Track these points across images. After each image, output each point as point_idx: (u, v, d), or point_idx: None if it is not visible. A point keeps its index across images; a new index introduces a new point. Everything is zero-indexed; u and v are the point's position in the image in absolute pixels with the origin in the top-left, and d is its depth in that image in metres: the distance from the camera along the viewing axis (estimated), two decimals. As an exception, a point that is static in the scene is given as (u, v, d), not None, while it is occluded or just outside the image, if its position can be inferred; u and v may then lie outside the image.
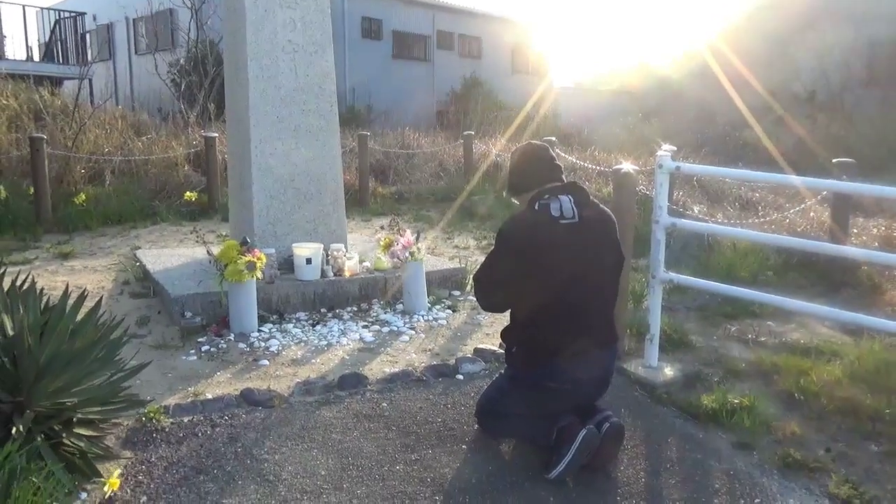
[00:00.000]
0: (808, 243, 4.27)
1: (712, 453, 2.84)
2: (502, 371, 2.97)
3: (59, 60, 15.45)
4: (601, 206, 2.83)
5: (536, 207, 2.68)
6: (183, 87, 13.34)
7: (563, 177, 2.83)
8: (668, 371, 3.64)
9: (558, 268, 2.61)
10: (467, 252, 6.71)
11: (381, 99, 19.02)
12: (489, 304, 2.86)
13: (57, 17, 15.85)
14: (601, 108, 21.11)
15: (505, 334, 2.85)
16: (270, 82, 5.06)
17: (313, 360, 3.76)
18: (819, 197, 6.03)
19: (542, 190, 2.72)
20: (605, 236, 2.74)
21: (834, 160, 5.81)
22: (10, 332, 2.48)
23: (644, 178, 6.73)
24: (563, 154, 9.42)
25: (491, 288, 2.77)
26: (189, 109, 11.38)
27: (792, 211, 6.35)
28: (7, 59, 14.28)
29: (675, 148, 3.80)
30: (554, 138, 9.82)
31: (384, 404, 3.18)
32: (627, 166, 4.00)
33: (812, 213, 6.70)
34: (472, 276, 2.93)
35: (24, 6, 14.87)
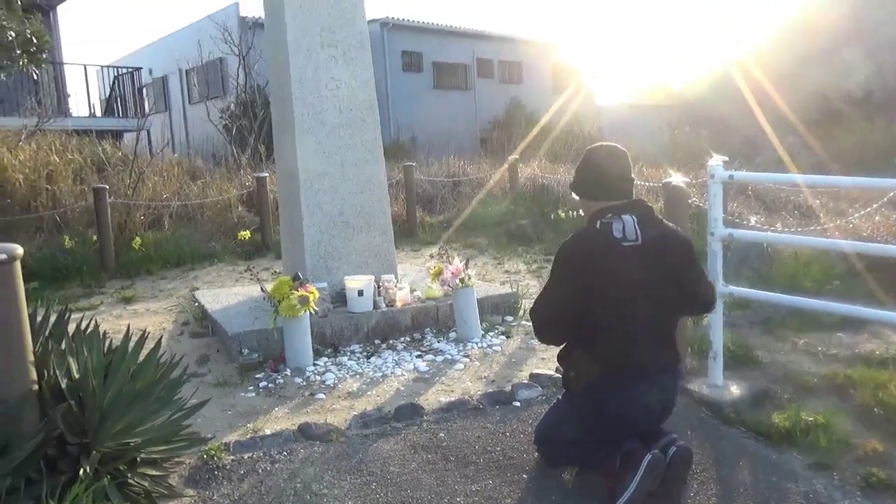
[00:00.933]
0: (874, 247, 4.05)
1: (788, 475, 2.69)
2: (560, 397, 2.89)
3: (118, 114, 16.24)
4: (670, 225, 2.68)
5: (598, 226, 2.57)
6: (234, 131, 13.80)
7: (633, 191, 2.69)
8: (735, 389, 3.49)
9: (618, 291, 2.51)
10: (518, 276, 6.65)
11: (424, 129, 19.26)
12: (547, 334, 2.72)
13: (116, 74, 16.70)
14: (646, 122, 20.84)
15: (562, 359, 2.77)
16: (316, 119, 5.17)
17: (369, 392, 3.75)
18: (886, 199, 5.75)
19: (606, 208, 2.59)
20: (671, 259, 2.59)
21: (897, 160, 5.55)
22: (76, 375, 2.56)
23: (696, 190, 6.57)
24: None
25: (548, 316, 2.65)
26: (240, 152, 11.76)
27: (856, 216, 6.08)
28: (72, 117, 15.07)
29: (726, 158, 3.69)
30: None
31: (441, 434, 3.14)
32: (677, 179, 3.91)
33: (878, 217, 6.40)
34: (529, 310, 2.76)
35: (85, 66, 15.80)
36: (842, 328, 4.42)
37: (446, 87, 22.24)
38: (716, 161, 3.50)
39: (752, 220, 6.98)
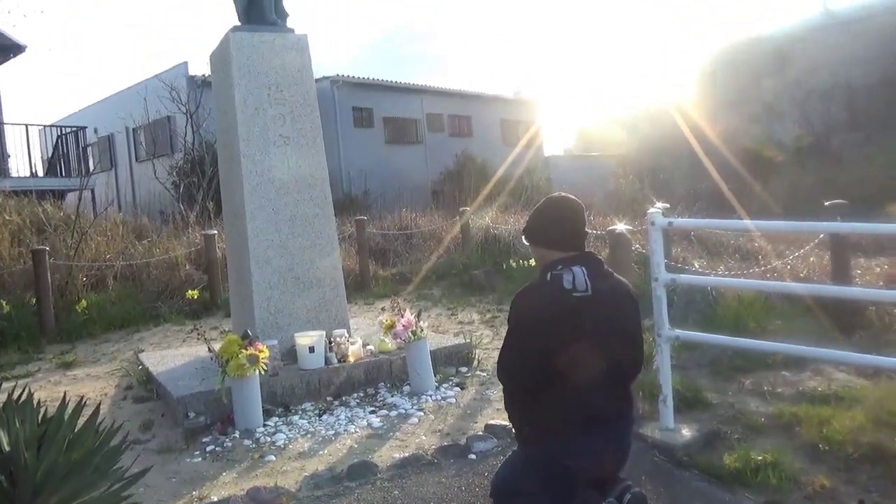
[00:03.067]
0: (812, 287, 4.24)
1: (741, 516, 2.72)
2: (515, 449, 2.87)
3: (61, 174, 15.84)
4: (617, 276, 2.72)
5: (549, 278, 2.57)
6: (182, 188, 13.63)
7: (585, 243, 2.71)
8: (686, 432, 3.53)
9: (568, 342, 2.50)
10: (472, 327, 6.65)
11: (376, 183, 19.39)
12: (513, 386, 2.70)
13: (59, 133, 16.37)
14: (592, 172, 21.46)
15: (512, 412, 2.76)
16: (264, 176, 5.16)
17: (321, 452, 3.66)
18: (816, 241, 6.02)
19: (556, 260, 2.60)
20: (620, 310, 2.63)
21: (826, 203, 5.84)
22: (6, 448, 2.42)
23: (640, 237, 6.76)
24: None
25: (511, 367, 2.64)
26: (189, 210, 11.58)
27: (792, 257, 6.34)
28: (11, 178, 14.65)
29: (667, 205, 3.83)
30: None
31: (395, 492, 3.07)
32: (620, 227, 4.03)
33: (812, 258, 6.68)
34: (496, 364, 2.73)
35: (27, 125, 15.37)
36: (786, 367, 4.55)
37: (397, 142, 22.54)
38: (655, 209, 3.63)
39: (696, 264, 7.19)
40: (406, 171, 21.28)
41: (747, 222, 4.56)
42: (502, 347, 2.68)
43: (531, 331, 2.55)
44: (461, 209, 11.23)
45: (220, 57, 5.55)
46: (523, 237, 2.82)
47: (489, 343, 5.92)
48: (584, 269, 2.57)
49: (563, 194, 2.80)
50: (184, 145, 15.80)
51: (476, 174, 19.43)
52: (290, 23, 5.60)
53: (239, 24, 5.45)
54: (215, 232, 8.60)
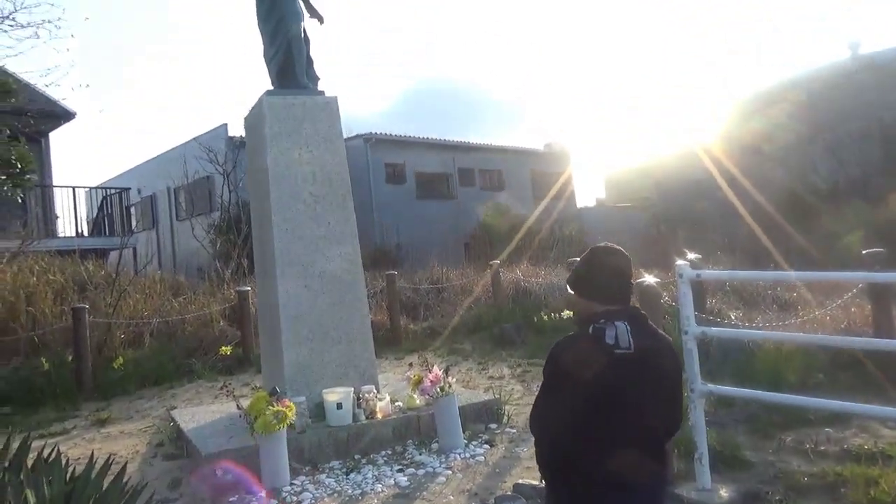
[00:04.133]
0: (852, 340, 4.10)
1: (783, 584, 2.57)
2: None
3: (105, 233, 16.40)
4: (660, 333, 2.61)
5: (591, 331, 2.46)
6: (218, 246, 13.94)
7: (630, 297, 2.59)
8: (724, 493, 3.39)
9: (607, 400, 2.42)
10: (502, 382, 6.56)
11: (408, 237, 19.57)
12: (545, 443, 2.56)
13: (105, 195, 17.02)
14: (624, 222, 21.36)
15: (544, 471, 2.66)
16: (294, 233, 5.27)
17: (347, 512, 3.60)
18: (855, 290, 5.84)
19: (600, 312, 2.49)
20: (661, 369, 2.52)
21: (864, 251, 5.69)
22: (34, 509, 2.44)
23: (673, 288, 6.64)
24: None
25: (544, 423, 2.54)
26: (224, 267, 11.82)
27: (832, 307, 6.15)
28: (57, 238, 15.21)
29: (699, 256, 3.77)
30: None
31: (421, 555, 2.99)
32: (649, 279, 3.98)
33: (853, 308, 6.47)
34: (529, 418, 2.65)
35: (74, 188, 16.04)
36: (828, 423, 4.36)
37: (429, 197, 22.83)
38: (683, 261, 3.59)
39: (732, 315, 7.03)
40: (438, 225, 21.47)
41: (778, 273, 4.48)
42: (536, 399, 2.58)
43: (569, 385, 2.44)
44: (491, 262, 11.23)
45: (254, 119, 5.76)
46: (568, 286, 2.68)
47: (519, 399, 5.82)
48: (627, 324, 2.45)
49: (611, 245, 2.65)
50: (221, 204, 16.24)
51: (507, 227, 19.50)
52: (320, 85, 5.81)
53: (272, 88, 5.67)
54: (249, 288, 8.74)
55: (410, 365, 5.68)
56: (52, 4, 7.50)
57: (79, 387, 7.15)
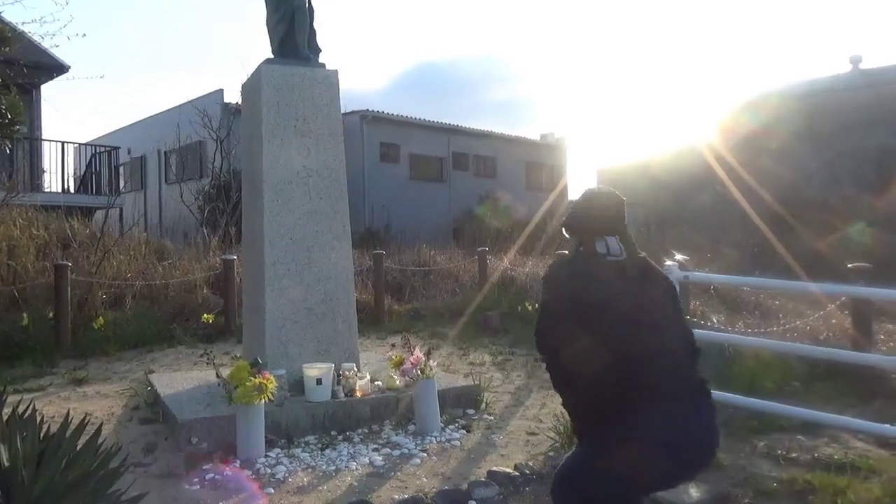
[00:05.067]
0: (830, 352, 4.14)
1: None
2: (574, 451, 2.43)
3: (92, 192, 16.19)
4: (653, 263, 2.54)
5: (579, 247, 2.44)
6: (206, 212, 13.83)
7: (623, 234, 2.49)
8: (695, 492, 3.44)
9: (613, 301, 2.28)
10: (482, 368, 6.59)
11: (399, 218, 19.52)
12: (552, 351, 2.38)
13: (94, 152, 16.79)
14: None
15: (566, 399, 2.41)
16: (285, 206, 5.23)
17: (320, 488, 3.61)
18: (838, 303, 5.91)
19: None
20: (657, 279, 2.44)
21: (850, 265, 5.74)
22: (6, 464, 2.42)
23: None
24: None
25: (549, 332, 2.38)
26: (212, 234, 11.73)
27: (813, 318, 6.22)
28: (43, 192, 15.01)
29: (687, 257, 3.79)
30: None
31: (391, 535, 3.00)
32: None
33: (834, 320, 6.55)
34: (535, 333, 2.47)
35: (63, 143, 15.80)
36: (802, 431, 4.41)
37: (422, 179, 22.75)
38: (672, 262, 3.60)
39: (715, 319, 7.08)
40: (429, 208, 21.43)
41: (766, 281, 4.51)
42: (536, 321, 2.45)
43: (566, 297, 2.34)
44: (479, 249, 11.23)
45: (252, 87, 5.69)
46: (563, 229, 2.62)
47: (499, 386, 5.85)
48: (617, 238, 2.42)
49: (602, 187, 2.66)
50: (212, 170, 16.09)
51: (498, 215, 19.50)
52: (322, 57, 5.73)
53: (272, 56, 5.59)
54: (235, 257, 8.68)
55: (393, 346, 5.70)
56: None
57: (57, 344, 7.10)
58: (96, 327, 7.49)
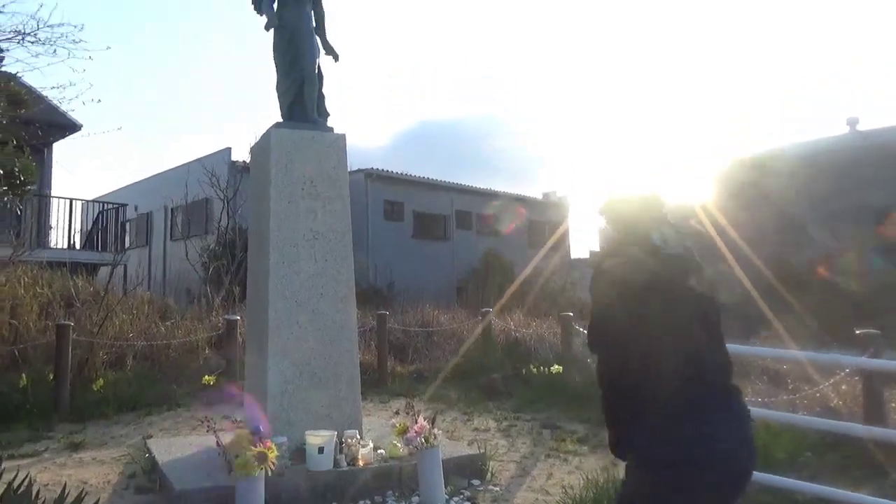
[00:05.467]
0: (840, 425, 4.06)
1: None
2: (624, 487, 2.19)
3: (98, 248, 16.27)
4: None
5: (632, 241, 2.20)
6: (211, 270, 13.86)
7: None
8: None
9: (666, 306, 2.06)
10: (487, 434, 6.46)
11: (402, 276, 19.54)
12: (607, 354, 2.18)
13: (101, 209, 16.96)
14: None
15: (613, 415, 2.16)
16: (291, 268, 5.23)
17: (320, 565, 3.48)
18: (844, 372, 5.82)
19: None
20: (712, 292, 2.23)
21: (857, 331, 5.67)
22: (-2, 544, 2.35)
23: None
24: (581, 329, 9.39)
25: (604, 336, 2.17)
26: (215, 292, 11.73)
27: (823, 386, 6.11)
28: (50, 248, 15.09)
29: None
30: (571, 313, 9.85)
31: None
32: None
33: (844, 386, 6.43)
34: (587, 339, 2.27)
35: (71, 200, 15.98)
36: (816, 505, 4.28)
37: (426, 237, 22.88)
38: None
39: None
40: (432, 265, 21.48)
41: (772, 351, 4.46)
42: (590, 323, 2.24)
43: (619, 294, 2.10)
44: (483, 310, 11.18)
45: (261, 150, 5.78)
46: (603, 217, 2.40)
47: (504, 454, 5.71)
48: (675, 230, 2.20)
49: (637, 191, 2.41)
50: (217, 228, 16.22)
51: (501, 274, 19.51)
52: (330, 121, 5.84)
53: (282, 119, 5.70)
54: (238, 318, 8.64)
55: (396, 412, 5.60)
56: (75, 26, 7.56)
57: (55, 407, 6.99)
58: (95, 389, 7.40)
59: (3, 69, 7.98)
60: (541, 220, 26.92)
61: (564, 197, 28.74)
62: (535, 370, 8.85)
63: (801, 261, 18.35)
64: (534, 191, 36.47)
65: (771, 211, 19.33)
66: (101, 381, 7.50)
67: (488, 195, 25.05)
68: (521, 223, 25.78)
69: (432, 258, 22.10)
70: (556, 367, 8.64)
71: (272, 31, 5.70)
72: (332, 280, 5.36)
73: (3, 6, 7.11)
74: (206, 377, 8.12)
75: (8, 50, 7.22)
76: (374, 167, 21.78)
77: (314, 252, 5.36)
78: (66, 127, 15.80)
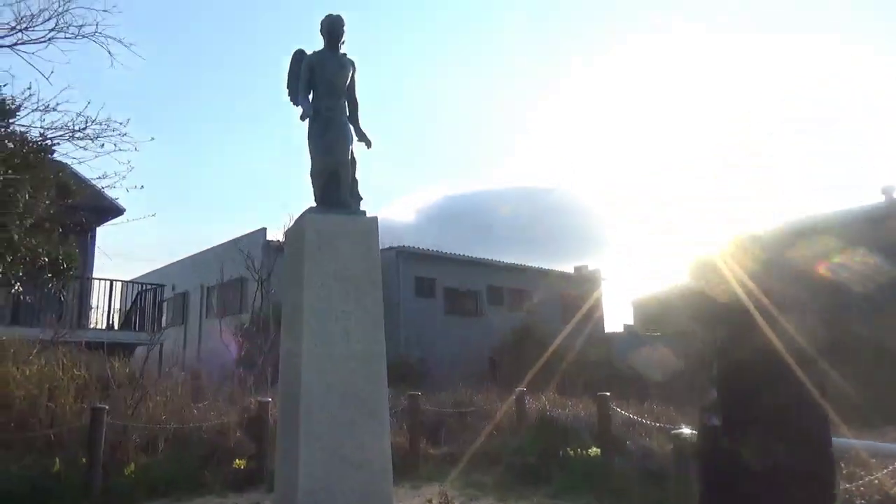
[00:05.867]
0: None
1: None
2: None
3: (135, 328, 16.55)
4: None
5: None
6: (244, 350, 13.94)
7: None
8: None
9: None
10: (525, 526, 6.19)
11: (434, 352, 19.40)
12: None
13: (140, 290, 17.35)
14: (652, 352, 20.89)
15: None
16: (323, 350, 5.23)
17: None
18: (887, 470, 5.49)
19: None
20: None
21: None
22: None
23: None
24: (618, 409, 9.11)
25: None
26: (248, 372, 11.74)
27: (863, 482, 5.78)
28: (89, 329, 15.38)
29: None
30: (608, 393, 9.58)
31: None
32: (686, 431, 3.81)
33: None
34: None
35: (111, 281, 16.41)
36: None
37: (457, 313, 22.82)
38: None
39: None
40: (465, 342, 21.31)
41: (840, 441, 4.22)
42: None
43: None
44: (517, 389, 10.95)
45: (295, 233, 5.90)
46: (697, 321, 2.39)
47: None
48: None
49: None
50: (252, 309, 16.43)
51: (535, 349, 19.21)
52: (363, 205, 5.95)
53: (315, 204, 5.83)
54: (270, 400, 8.60)
55: (429, 501, 5.42)
56: (120, 123, 8.06)
57: (86, 492, 6.94)
58: (127, 473, 7.35)
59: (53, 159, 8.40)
60: (574, 293, 26.70)
61: (597, 270, 28.57)
62: (571, 452, 8.55)
63: (843, 336, 17.76)
64: (566, 265, 36.35)
65: (806, 283, 18.88)
66: (132, 466, 7.46)
67: (520, 270, 25.05)
68: (553, 298, 25.60)
69: (464, 334, 21.95)
70: (594, 449, 8.34)
71: (308, 121, 5.93)
72: (363, 361, 5.34)
73: (58, 105, 7.54)
74: (237, 461, 8.03)
75: (59, 143, 7.62)
76: (405, 244, 22.05)
77: (347, 334, 5.37)
78: (110, 211, 16.43)
